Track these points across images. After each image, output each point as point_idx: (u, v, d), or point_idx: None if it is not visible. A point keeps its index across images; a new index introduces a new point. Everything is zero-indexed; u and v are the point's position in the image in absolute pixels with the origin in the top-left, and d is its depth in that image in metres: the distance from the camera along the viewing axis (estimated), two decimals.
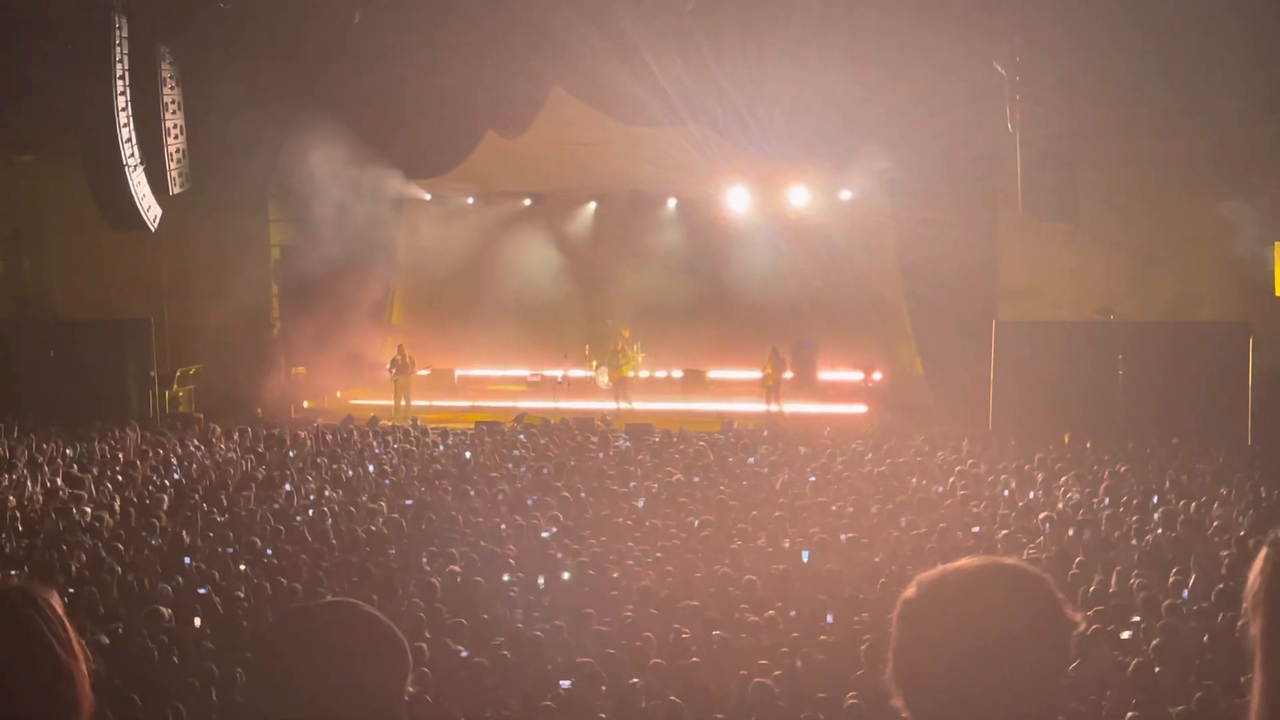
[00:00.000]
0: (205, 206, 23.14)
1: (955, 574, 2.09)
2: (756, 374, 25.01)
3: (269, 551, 13.14)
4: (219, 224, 24.24)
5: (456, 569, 12.13)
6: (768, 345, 24.50)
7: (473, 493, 15.92)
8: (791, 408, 23.86)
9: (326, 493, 16.20)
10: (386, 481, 16.85)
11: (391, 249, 26.78)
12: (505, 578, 12.17)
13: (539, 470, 17.28)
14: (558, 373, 25.20)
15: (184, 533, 13.84)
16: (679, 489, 16.20)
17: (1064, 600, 2.09)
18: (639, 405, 24.64)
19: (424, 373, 25.40)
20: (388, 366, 24.39)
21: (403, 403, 23.98)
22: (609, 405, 24.13)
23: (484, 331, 27.37)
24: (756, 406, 23.82)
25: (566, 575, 12.24)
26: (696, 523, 14.22)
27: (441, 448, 19.17)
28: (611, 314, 26.84)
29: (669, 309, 26.76)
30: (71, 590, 11.31)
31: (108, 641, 9.82)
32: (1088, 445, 18.61)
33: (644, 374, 26.28)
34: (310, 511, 15.21)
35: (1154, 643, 9.68)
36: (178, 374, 23.95)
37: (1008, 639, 2.01)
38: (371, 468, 17.68)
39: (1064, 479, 16.44)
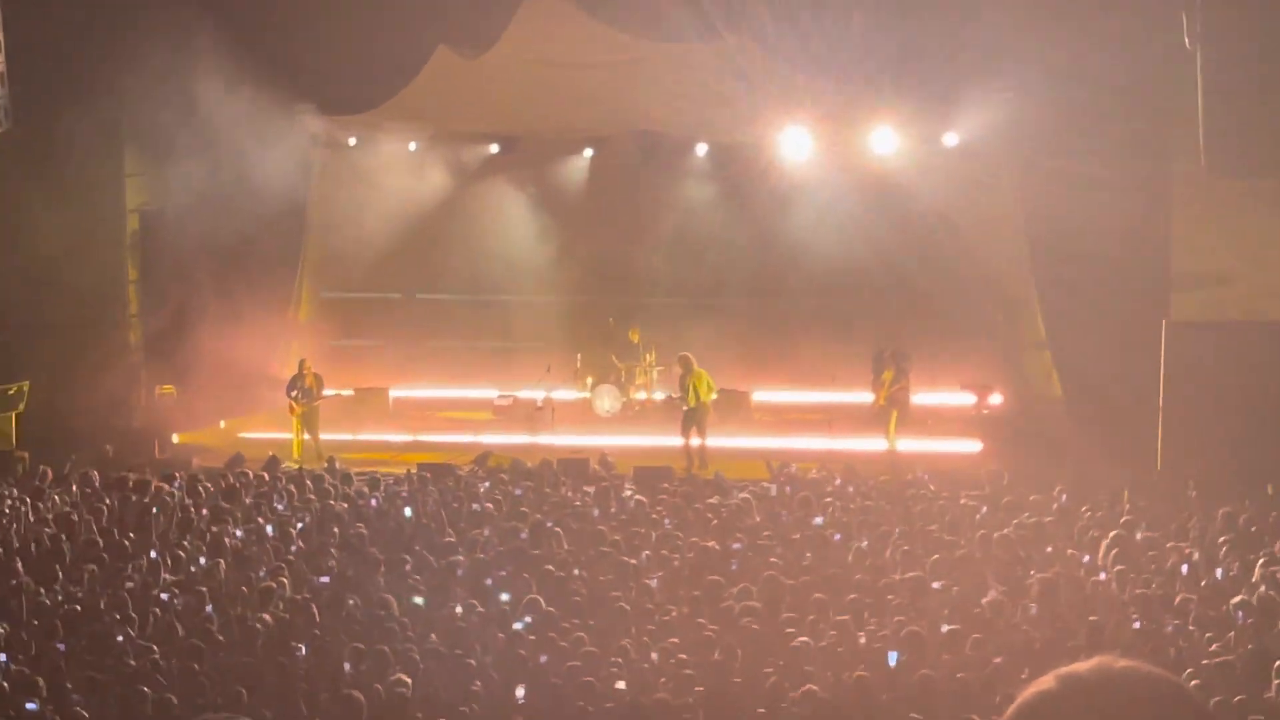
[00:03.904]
0: (30, 156, 23.24)
1: (1080, 687, 2.14)
2: (818, 395, 25.02)
3: (123, 649, 13.20)
4: (50, 180, 24.27)
5: (395, 678, 12.18)
6: (866, 352, 24.52)
7: (411, 567, 15.97)
8: (875, 445, 23.75)
9: (205, 564, 16.28)
10: (292, 549, 16.91)
11: (299, 216, 26.86)
12: (464, 689, 12.23)
13: (510, 534, 17.33)
14: (538, 394, 25.24)
15: None
16: (711, 561, 16.24)
17: None
18: (635, 441, 24.47)
19: (331, 393, 25.04)
20: (286, 389, 24.29)
21: (306, 438, 23.98)
22: (619, 441, 23.97)
23: (431, 334, 27.45)
24: (820, 443, 23.72)
25: (550, 685, 12.30)
26: (737, 609, 14.25)
27: (373, 502, 19.23)
28: (613, 308, 26.87)
29: (695, 301, 26.79)
30: None
31: None
32: None
33: (658, 395, 26.22)
34: (181, 593, 15.28)
35: None
36: None
37: None
38: (270, 529, 17.76)
39: (1266, 549, 16.43)
